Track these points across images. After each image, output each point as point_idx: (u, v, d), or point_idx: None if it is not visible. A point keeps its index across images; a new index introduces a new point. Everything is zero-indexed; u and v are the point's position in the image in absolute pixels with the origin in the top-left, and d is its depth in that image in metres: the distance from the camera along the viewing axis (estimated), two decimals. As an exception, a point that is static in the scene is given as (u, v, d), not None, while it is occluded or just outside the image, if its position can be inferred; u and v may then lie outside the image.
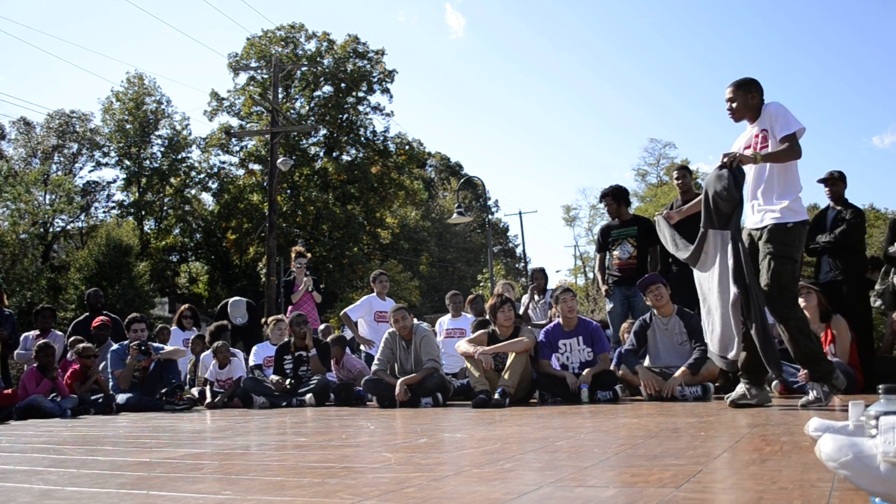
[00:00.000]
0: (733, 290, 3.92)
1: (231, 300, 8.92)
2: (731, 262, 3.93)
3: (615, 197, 7.01)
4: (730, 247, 3.96)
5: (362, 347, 7.82)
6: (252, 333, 8.67)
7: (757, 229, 4.11)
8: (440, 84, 78.77)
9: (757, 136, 4.12)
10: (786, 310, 4.01)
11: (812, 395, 4.05)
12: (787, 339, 4.09)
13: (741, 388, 4.23)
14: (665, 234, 4.56)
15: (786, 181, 4.03)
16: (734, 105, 4.16)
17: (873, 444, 1.32)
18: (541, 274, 8.16)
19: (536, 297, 7.90)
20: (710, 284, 4.13)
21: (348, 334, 8.04)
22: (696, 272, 4.31)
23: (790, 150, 3.92)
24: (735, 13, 68.45)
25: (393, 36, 74.12)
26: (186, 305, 9.21)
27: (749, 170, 4.10)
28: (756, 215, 4.12)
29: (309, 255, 9.28)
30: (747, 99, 4.12)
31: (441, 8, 75.64)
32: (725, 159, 3.98)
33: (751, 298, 3.88)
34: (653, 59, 71.72)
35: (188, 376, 8.37)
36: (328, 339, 7.20)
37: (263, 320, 8.70)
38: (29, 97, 69.70)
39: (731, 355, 4.03)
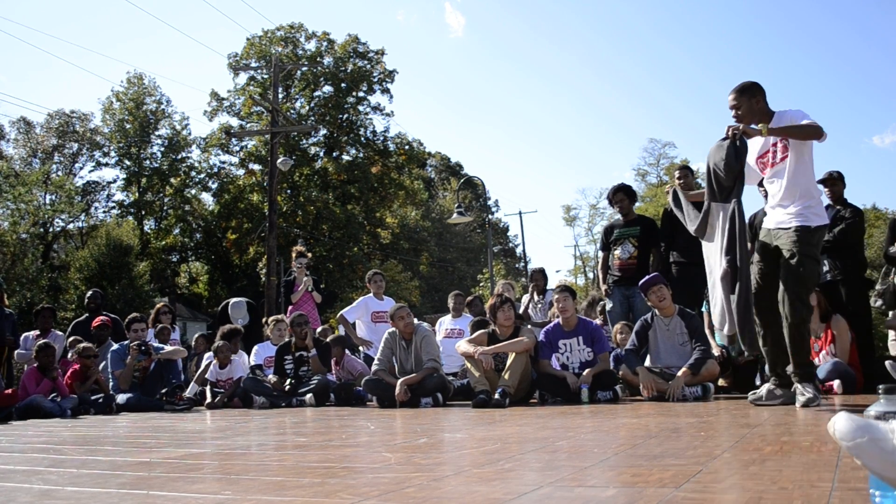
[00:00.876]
0: (723, 263, 3.93)
1: (231, 301, 8.91)
2: (727, 234, 3.94)
3: (628, 193, 7.05)
4: (728, 220, 3.96)
5: (361, 348, 7.81)
6: (252, 333, 8.66)
7: (780, 229, 4.07)
8: (440, 84, 78.86)
9: (775, 144, 4.09)
10: (806, 311, 4.00)
11: (807, 395, 4.04)
12: (788, 337, 4.04)
13: (766, 386, 4.25)
14: (682, 206, 4.56)
15: (807, 184, 4.04)
16: (740, 112, 4.11)
17: (889, 429, 1.33)
18: (540, 275, 8.16)
19: (536, 298, 7.90)
20: (714, 259, 4.14)
21: (347, 336, 8.04)
22: (704, 246, 4.33)
23: (808, 127, 3.85)
24: (735, 13, 68.53)
25: (392, 35, 74.14)
26: (162, 304, 9.13)
27: (773, 176, 4.10)
28: (778, 215, 4.09)
29: (310, 255, 9.26)
30: (752, 104, 4.08)
31: (440, 7, 75.67)
32: (729, 131, 3.98)
33: (739, 273, 3.88)
34: (653, 59, 71.79)
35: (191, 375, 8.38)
36: (328, 340, 7.20)
37: (264, 320, 8.69)
38: (29, 97, 69.82)
39: (725, 330, 4.02)
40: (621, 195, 7.00)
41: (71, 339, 7.71)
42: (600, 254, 7.22)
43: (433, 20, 75.84)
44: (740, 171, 3.97)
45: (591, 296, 8.11)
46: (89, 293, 8.79)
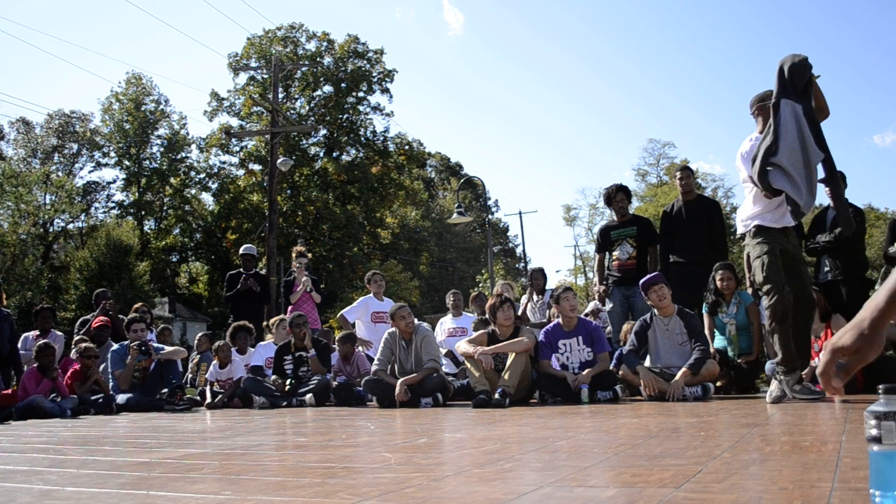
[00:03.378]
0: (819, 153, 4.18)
1: (242, 247, 9.44)
2: (807, 129, 4.16)
3: (627, 193, 7.06)
4: (804, 118, 4.18)
5: (360, 348, 7.81)
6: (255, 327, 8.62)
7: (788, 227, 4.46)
8: (439, 83, 78.88)
9: None
10: None
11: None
12: (804, 331, 4.44)
13: (778, 385, 4.41)
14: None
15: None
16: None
17: None
18: (539, 274, 8.15)
19: (535, 298, 7.90)
20: (794, 144, 4.25)
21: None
22: (788, 152, 4.43)
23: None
24: (735, 13, 68.53)
25: (390, 34, 73.95)
26: (140, 304, 9.08)
27: None
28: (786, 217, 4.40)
29: (310, 255, 9.29)
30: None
31: (439, 4, 75.49)
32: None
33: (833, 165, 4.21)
34: (653, 59, 71.79)
35: (190, 376, 8.37)
36: (339, 337, 7.20)
37: (265, 324, 8.69)
38: (28, 97, 69.85)
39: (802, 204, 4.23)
40: (622, 195, 7.00)
41: (76, 338, 7.69)
42: (596, 255, 7.22)
43: (431, 18, 75.71)
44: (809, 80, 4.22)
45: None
46: (98, 291, 8.78)
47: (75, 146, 34.46)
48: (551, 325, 5.96)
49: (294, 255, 8.74)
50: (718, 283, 5.88)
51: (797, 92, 4.14)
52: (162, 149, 35.32)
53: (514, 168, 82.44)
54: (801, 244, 6.11)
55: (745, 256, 6.11)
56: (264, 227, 21.81)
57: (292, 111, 33.33)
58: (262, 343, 7.74)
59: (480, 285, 27.95)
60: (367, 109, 35.98)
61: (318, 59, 34.14)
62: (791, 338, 4.29)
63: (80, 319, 8.62)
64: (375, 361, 6.14)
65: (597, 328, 5.84)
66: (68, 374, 6.76)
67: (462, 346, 5.80)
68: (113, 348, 7.19)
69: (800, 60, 4.13)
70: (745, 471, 1.93)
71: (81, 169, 35.37)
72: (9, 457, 3.16)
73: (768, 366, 4.91)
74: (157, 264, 33.99)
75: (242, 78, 34.35)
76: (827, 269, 6.03)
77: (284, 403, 6.52)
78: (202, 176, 36.24)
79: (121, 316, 8.29)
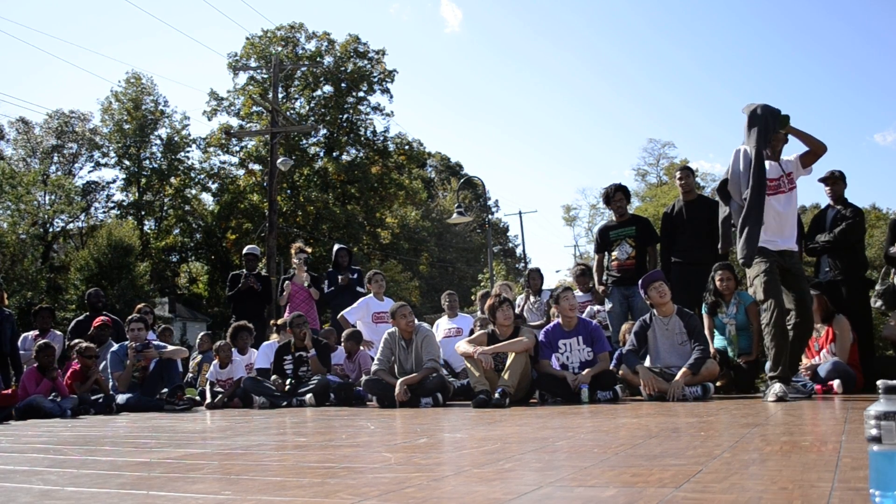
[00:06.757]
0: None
1: (246, 247, 9.74)
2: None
3: (626, 193, 7.06)
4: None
5: (361, 348, 7.79)
6: (257, 328, 8.60)
7: (790, 251, 4.80)
8: (438, 82, 78.78)
9: (790, 174, 4.71)
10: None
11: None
12: (801, 338, 4.73)
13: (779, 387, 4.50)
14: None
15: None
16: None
17: None
18: (536, 274, 8.14)
19: (532, 299, 7.89)
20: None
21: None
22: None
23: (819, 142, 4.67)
24: (735, 13, 68.53)
25: (386, 30, 73.40)
26: (143, 304, 9.08)
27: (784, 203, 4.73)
28: (787, 241, 4.77)
29: (309, 249, 9.29)
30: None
31: (436, 0, 75.17)
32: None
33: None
34: (653, 59, 71.76)
35: (191, 375, 8.37)
36: (344, 334, 7.21)
37: (272, 322, 8.68)
38: (28, 97, 69.88)
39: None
40: (621, 195, 6.99)
41: (76, 341, 7.68)
42: (595, 256, 7.22)
43: (428, 14, 75.34)
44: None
45: (577, 268, 8.06)
46: (91, 291, 8.77)
47: (75, 146, 34.42)
48: (551, 324, 5.96)
49: (294, 251, 8.74)
50: (718, 283, 5.88)
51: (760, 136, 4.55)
52: (162, 149, 35.30)
53: (514, 168, 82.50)
54: (802, 244, 6.11)
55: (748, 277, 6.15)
56: (264, 227, 21.80)
57: (292, 111, 33.33)
58: (266, 342, 7.73)
59: (481, 285, 27.95)
60: (368, 109, 36.00)
61: (318, 59, 34.12)
62: (788, 352, 4.53)
63: (75, 321, 8.62)
64: (375, 361, 6.14)
65: (597, 328, 5.84)
66: (68, 373, 6.76)
67: (462, 346, 5.80)
68: (112, 349, 7.18)
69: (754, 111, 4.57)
70: (745, 471, 1.93)
71: (81, 169, 35.35)
72: (9, 457, 3.17)
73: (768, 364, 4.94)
74: (157, 264, 33.97)
75: (242, 78, 34.35)
76: (827, 269, 6.02)
77: (284, 403, 6.51)
78: (202, 176, 36.23)
79: (114, 317, 8.30)
